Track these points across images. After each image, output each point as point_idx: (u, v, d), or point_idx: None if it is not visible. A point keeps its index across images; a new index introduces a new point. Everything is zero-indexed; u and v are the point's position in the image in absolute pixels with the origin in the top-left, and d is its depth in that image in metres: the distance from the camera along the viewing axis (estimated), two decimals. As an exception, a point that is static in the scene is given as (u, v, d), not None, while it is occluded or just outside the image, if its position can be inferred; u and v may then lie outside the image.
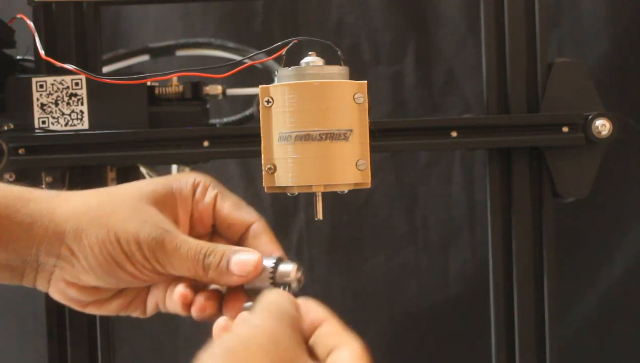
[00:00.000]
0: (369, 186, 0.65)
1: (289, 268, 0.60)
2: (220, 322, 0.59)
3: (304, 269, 0.61)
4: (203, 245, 0.60)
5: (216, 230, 0.65)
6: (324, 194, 0.65)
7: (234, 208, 0.64)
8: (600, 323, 1.61)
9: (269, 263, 0.61)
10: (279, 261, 0.61)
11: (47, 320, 0.96)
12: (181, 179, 0.64)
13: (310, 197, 0.65)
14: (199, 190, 0.64)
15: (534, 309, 0.95)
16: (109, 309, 0.64)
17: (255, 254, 0.60)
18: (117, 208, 0.61)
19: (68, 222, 0.61)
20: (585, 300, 1.61)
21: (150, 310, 0.64)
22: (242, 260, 0.60)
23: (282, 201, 1.64)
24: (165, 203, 0.62)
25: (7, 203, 0.61)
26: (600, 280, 1.61)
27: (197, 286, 0.62)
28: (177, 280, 0.62)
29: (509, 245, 0.96)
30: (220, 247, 0.61)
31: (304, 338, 0.53)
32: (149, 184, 0.63)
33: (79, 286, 0.61)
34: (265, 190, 0.66)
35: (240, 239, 0.64)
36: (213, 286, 0.63)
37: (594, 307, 1.61)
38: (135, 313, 0.65)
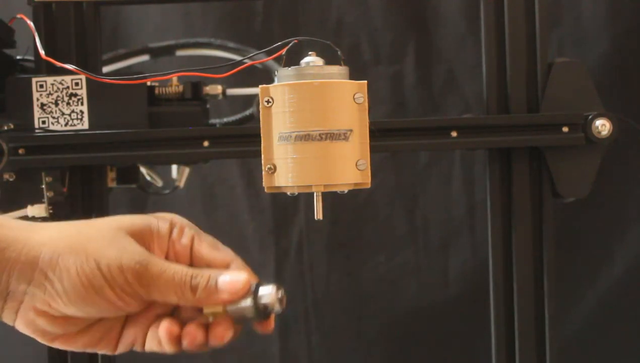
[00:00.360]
0: (369, 186, 0.65)
1: (269, 290, 0.60)
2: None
3: (284, 290, 0.62)
4: (188, 269, 0.61)
5: None
6: (324, 194, 0.65)
7: (211, 249, 0.64)
8: (600, 323, 1.61)
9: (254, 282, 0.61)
10: (259, 284, 0.61)
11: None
12: (159, 218, 0.64)
13: (310, 197, 0.65)
14: (175, 230, 0.64)
15: (534, 309, 0.95)
16: (77, 344, 0.62)
17: (242, 274, 0.61)
18: (95, 236, 0.60)
19: (43, 247, 0.60)
20: (585, 300, 1.62)
21: (122, 348, 0.64)
22: (230, 279, 0.60)
23: (282, 201, 1.64)
24: (143, 237, 0.62)
25: None
26: (600, 280, 1.61)
27: (179, 320, 0.62)
28: (155, 317, 0.62)
29: (509, 245, 0.96)
30: (206, 270, 0.61)
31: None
32: (126, 218, 0.63)
33: (49, 315, 0.60)
34: (265, 190, 0.66)
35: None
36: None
37: (594, 307, 1.62)
38: (105, 350, 0.64)
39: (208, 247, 0.64)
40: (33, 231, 0.61)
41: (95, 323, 0.63)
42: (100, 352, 0.64)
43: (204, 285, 0.60)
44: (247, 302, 0.60)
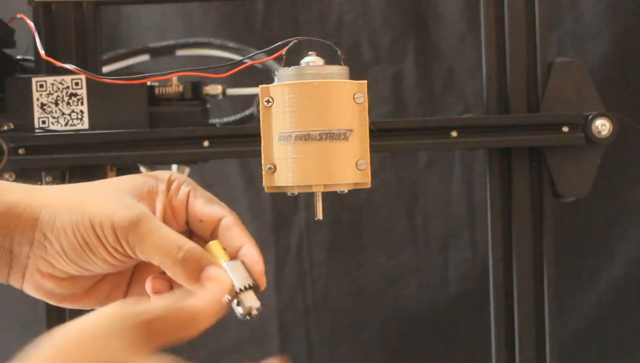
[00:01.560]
0: (369, 186, 0.65)
1: (249, 302, 0.59)
2: None
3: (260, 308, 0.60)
4: (180, 237, 0.59)
5: (190, 229, 0.65)
6: (324, 194, 0.65)
7: (205, 204, 0.63)
8: (599, 323, 1.61)
9: (238, 284, 0.60)
10: (248, 287, 0.60)
11: (47, 320, 0.96)
12: (158, 175, 0.64)
13: (310, 197, 0.65)
14: (173, 186, 0.64)
15: (534, 309, 0.95)
16: (85, 303, 0.63)
17: (228, 283, 0.59)
18: (94, 196, 0.61)
19: (43, 209, 0.60)
20: (585, 299, 1.62)
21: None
22: (215, 276, 0.58)
23: (282, 201, 1.64)
24: (143, 196, 0.62)
25: None
26: (600, 280, 1.61)
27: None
28: (161, 271, 0.62)
29: (509, 245, 0.96)
30: (199, 250, 0.60)
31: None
32: (127, 179, 0.64)
33: (54, 277, 0.61)
34: (265, 190, 0.66)
35: (212, 235, 0.64)
36: None
37: (594, 307, 1.62)
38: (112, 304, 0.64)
39: (202, 202, 0.63)
40: (33, 193, 0.61)
41: (102, 281, 0.63)
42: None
43: (189, 264, 0.59)
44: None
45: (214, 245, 0.62)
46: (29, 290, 0.62)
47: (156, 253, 0.59)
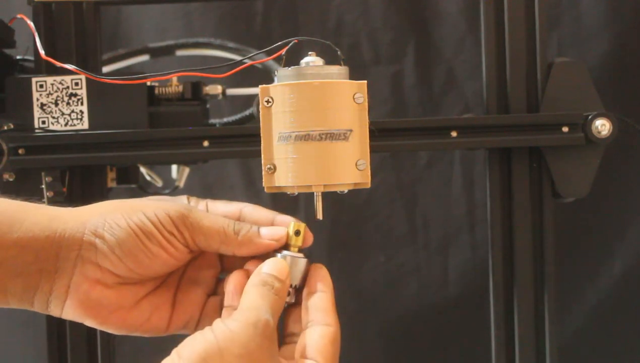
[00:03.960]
0: (369, 186, 0.65)
1: (287, 298, 0.63)
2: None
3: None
4: (225, 218, 0.64)
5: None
6: (324, 194, 0.65)
7: (225, 205, 0.67)
8: (600, 323, 1.61)
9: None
10: (291, 287, 0.64)
11: (47, 319, 0.96)
12: (176, 197, 0.68)
13: (310, 197, 0.65)
14: (192, 201, 0.68)
15: (534, 309, 0.95)
16: (129, 322, 0.63)
17: (282, 227, 0.64)
18: (137, 201, 0.64)
19: (90, 213, 0.62)
20: (585, 299, 1.61)
21: (175, 327, 0.65)
22: (271, 229, 0.63)
23: (282, 201, 1.64)
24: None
25: (23, 206, 0.63)
26: (600, 280, 1.61)
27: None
28: (205, 295, 0.65)
29: (509, 245, 0.96)
30: (244, 223, 0.64)
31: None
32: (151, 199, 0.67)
33: (101, 284, 0.61)
34: (265, 190, 0.66)
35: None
36: None
37: (593, 307, 1.61)
38: (154, 332, 0.64)
39: (222, 204, 0.67)
40: (80, 214, 0.63)
41: (144, 299, 0.64)
42: (151, 333, 0.64)
43: (247, 229, 0.63)
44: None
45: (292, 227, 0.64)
46: (71, 309, 0.61)
47: (216, 231, 0.62)
